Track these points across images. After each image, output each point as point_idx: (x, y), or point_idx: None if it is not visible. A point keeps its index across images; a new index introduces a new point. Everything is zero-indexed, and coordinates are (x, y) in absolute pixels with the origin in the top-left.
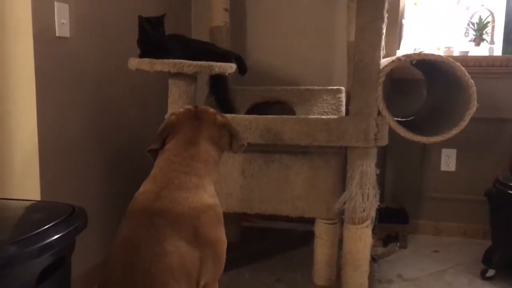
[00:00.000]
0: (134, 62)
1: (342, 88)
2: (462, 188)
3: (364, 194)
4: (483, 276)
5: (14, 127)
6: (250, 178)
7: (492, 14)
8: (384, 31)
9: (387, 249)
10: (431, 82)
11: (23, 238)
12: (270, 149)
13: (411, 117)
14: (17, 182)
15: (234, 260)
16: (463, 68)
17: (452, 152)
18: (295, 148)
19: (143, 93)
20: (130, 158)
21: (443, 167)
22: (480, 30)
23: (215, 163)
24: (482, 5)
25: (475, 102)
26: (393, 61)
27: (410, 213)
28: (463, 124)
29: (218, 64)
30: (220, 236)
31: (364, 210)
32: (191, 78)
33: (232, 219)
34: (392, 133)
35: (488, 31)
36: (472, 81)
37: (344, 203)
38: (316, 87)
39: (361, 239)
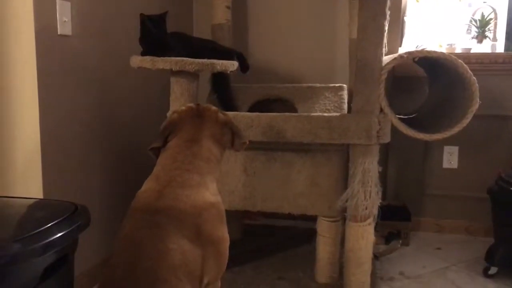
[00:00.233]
0: (136, 60)
1: (344, 85)
2: (464, 185)
3: (366, 192)
4: (485, 273)
5: (17, 125)
6: (252, 176)
7: (494, 11)
8: (386, 28)
9: (389, 247)
10: (433, 80)
11: (27, 236)
12: (272, 146)
13: (413, 115)
14: (20, 180)
15: (236, 257)
16: (465, 65)
17: (454, 150)
18: (297, 146)
19: (145, 91)
20: (133, 156)
21: (445, 165)
22: (482, 27)
23: (217, 161)
24: (485, 2)
25: (478, 99)
26: (395, 58)
27: (412, 210)
28: (466, 121)
29: (220, 62)
30: (223, 233)
31: (366, 208)
32: (193, 76)
33: (234, 217)
34: (394, 130)
35: (490, 28)
36: (474, 78)
37: (346, 201)
38: (318, 85)
39: (363, 237)
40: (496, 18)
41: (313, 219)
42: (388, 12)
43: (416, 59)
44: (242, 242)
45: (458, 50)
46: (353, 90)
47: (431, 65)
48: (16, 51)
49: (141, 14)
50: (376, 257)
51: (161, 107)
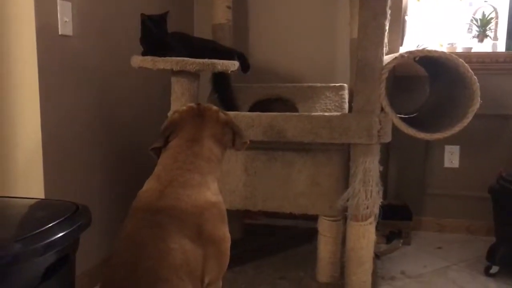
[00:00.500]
0: (137, 60)
1: (345, 85)
2: (465, 184)
3: (367, 191)
4: (486, 272)
5: (18, 125)
6: (253, 176)
7: (495, 10)
8: (387, 27)
9: (390, 246)
10: (434, 79)
11: (28, 236)
12: (273, 146)
13: (414, 114)
14: (21, 180)
15: (237, 257)
16: (466, 64)
17: (456, 149)
18: (298, 145)
19: (146, 91)
20: (133, 155)
21: (447, 164)
22: (483, 26)
23: (218, 160)
24: (485, 1)
25: (479, 99)
26: (396, 57)
27: (413, 209)
28: (467, 120)
29: (221, 61)
30: (224, 233)
31: (367, 207)
32: (194, 76)
33: (235, 217)
34: (395, 129)
35: (491, 27)
36: (475, 77)
37: (347, 200)
38: (319, 84)
39: (364, 236)
40: (497, 17)
41: (314, 218)
42: (388, 12)
43: (417, 59)
44: (243, 241)
45: (459, 49)
46: (354, 89)
47: (432, 64)
48: (17, 51)
49: (142, 14)
50: (377, 256)
51: (162, 107)
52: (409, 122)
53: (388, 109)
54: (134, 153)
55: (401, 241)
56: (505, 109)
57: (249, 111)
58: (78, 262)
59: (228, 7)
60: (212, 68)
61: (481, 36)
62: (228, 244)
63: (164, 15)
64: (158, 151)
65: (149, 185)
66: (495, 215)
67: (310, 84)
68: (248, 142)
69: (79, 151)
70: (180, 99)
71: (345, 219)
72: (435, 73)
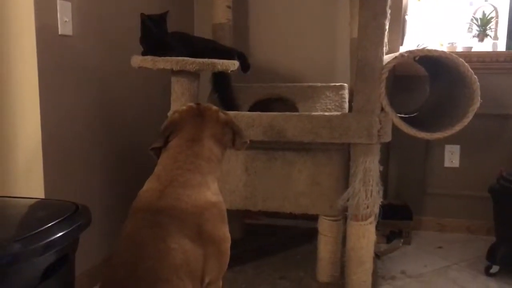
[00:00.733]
0: (137, 60)
1: (345, 84)
2: (465, 184)
3: (368, 191)
4: (487, 272)
5: (18, 125)
6: (253, 175)
7: (495, 9)
8: (387, 27)
9: (390, 246)
10: (434, 78)
11: (27, 236)
12: (273, 146)
13: (415, 114)
14: (21, 180)
15: (237, 257)
16: (466, 64)
17: (456, 148)
18: (298, 145)
19: (146, 90)
20: (133, 155)
21: (447, 163)
22: (483, 26)
23: (218, 160)
24: (486, 1)
25: (479, 98)
26: (396, 57)
27: (414, 209)
28: (467, 120)
29: (221, 61)
30: (224, 233)
31: (367, 207)
32: (194, 75)
33: (235, 216)
34: (395, 129)
35: (491, 27)
36: (475, 77)
37: (348, 200)
38: (319, 84)
39: (364, 236)
40: (497, 17)
41: (314, 218)
42: (388, 11)
43: (417, 58)
44: (243, 241)
45: (459, 49)
46: (354, 89)
47: (432, 64)
48: (16, 51)
49: (142, 14)
50: (377, 256)
51: (162, 107)
52: (409, 121)
53: (388, 108)
54: (134, 153)
55: (402, 240)
56: (506, 109)
57: (249, 110)
58: (78, 262)
59: (228, 7)
60: (212, 67)
61: (481, 35)
62: (228, 244)
63: (164, 14)
64: (158, 151)
65: (149, 185)
66: (496, 215)
67: (310, 83)
68: (248, 142)
69: (79, 151)
70: (180, 99)
71: (345, 218)
72: (435, 73)
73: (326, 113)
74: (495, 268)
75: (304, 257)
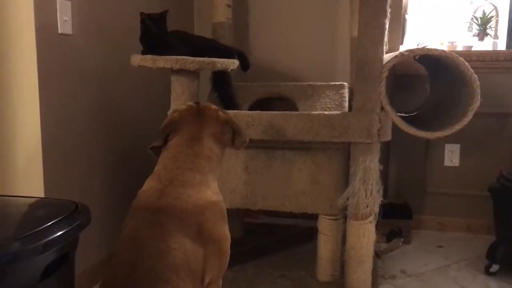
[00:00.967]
0: (137, 59)
1: (345, 83)
2: (465, 183)
3: (367, 190)
4: (487, 271)
5: (18, 124)
6: (253, 174)
7: (496, 8)
8: (387, 26)
9: (390, 245)
10: (434, 77)
11: (27, 235)
12: (273, 145)
13: (415, 113)
14: (21, 179)
15: (237, 256)
16: (466, 63)
17: (456, 147)
18: (298, 144)
19: (146, 89)
20: (133, 155)
21: (447, 163)
22: (483, 25)
23: (218, 159)
24: (486, 0)
25: (479, 97)
26: (396, 56)
27: (414, 208)
28: (467, 119)
29: (221, 60)
30: (224, 232)
31: (367, 206)
32: (194, 74)
33: (235, 215)
34: (395, 128)
35: (491, 26)
36: (475, 76)
37: (347, 199)
38: (319, 83)
39: (364, 235)
40: (497, 16)
41: (314, 217)
42: (389, 10)
43: (417, 57)
44: (243, 240)
45: (459, 48)
46: (354, 88)
47: (432, 63)
48: (16, 50)
49: (142, 13)
50: (377, 255)
51: (162, 106)
52: (409, 121)
53: (388, 107)
54: (134, 151)
55: (401, 240)
56: (506, 108)
57: (249, 109)
58: (78, 261)
59: (228, 6)
60: (212, 66)
61: (482, 34)
62: (228, 243)
63: (164, 13)
64: (158, 150)
65: (149, 184)
66: (496, 214)
67: (310, 82)
68: (248, 141)
69: (79, 150)
70: (180, 98)
71: (345, 218)
72: (436, 72)
73: (326, 112)
74: (495, 267)
75: (304, 256)
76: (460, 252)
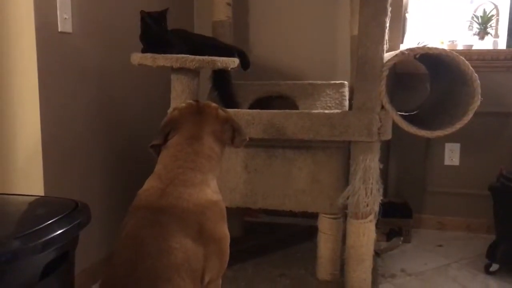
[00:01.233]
0: (137, 57)
1: (345, 82)
2: (465, 182)
3: (368, 189)
4: (487, 270)
5: (17, 123)
6: (253, 173)
7: (496, 7)
8: (387, 25)
9: (390, 244)
10: (434, 76)
11: (27, 233)
12: (273, 143)
13: (415, 111)
14: (21, 178)
15: (237, 254)
16: (467, 62)
17: (456, 147)
18: (298, 143)
19: (146, 88)
20: (133, 153)
21: (447, 162)
22: (484, 24)
23: (218, 158)
24: None
25: (479, 96)
26: (396, 55)
27: (414, 207)
28: (467, 118)
29: (221, 59)
30: (225, 232)
31: (367, 205)
32: (194, 73)
33: (235, 214)
34: (395, 127)
35: (492, 25)
36: (476, 75)
37: (348, 198)
38: (319, 82)
39: (364, 234)
40: (498, 15)
41: (314, 216)
42: (389, 9)
43: (418, 56)
44: (243, 239)
45: (460, 47)
46: (354, 87)
47: (433, 62)
48: (16, 48)
49: (142, 11)
50: (377, 254)
51: (162, 105)
52: (409, 119)
53: (388, 106)
54: (134, 151)
55: (401, 239)
56: (506, 107)
57: (249, 108)
58: (78, 259)
59: (228, 4)
60: (212, 65)
61: (482, 33)
62: (228, 242)
63: (164, 12)
64: (158, 149)
65: (150, 184)
66: (496, 213)
67: (310, 81)
68: (247, 139)
69: (79, 149)
70: (180, 97)
71: (345, 216)
72: (436, 71)
73: (326, 111)
74: (494, 266)
75: (304, 255)
76: (460, 251)
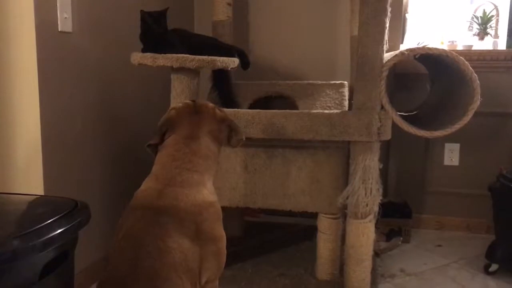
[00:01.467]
0: (137, 57)
1: (345, 82)
2: (465, 182)
3: (367, 189)
4: (486, 270)
5: (18, 122)
6: (253, 173)
7: (496, 7)
8: (387, 25)
9: (390, 244)
10: (434, 77)
11: (26, 233)
12: (273, 143)
13: (415, 112)
14: (21, 177)
15: (237, 254)
16: (466, 62)
17: (456, 147)
18: (298, 143)
19: (146, 88)
20: (133, 152)
21: (446, 162)
22: (484, 24)
23: (215, 158)
24: None
25: (479, 97)
26: (396, 55)
27: (413, 207)
28: (467, 118)
29: (221, 58)
30: (221, 232)
31: (367, 205)
32: (194, 72)
33: (235, 214)
34: (395, 127)
35: (492, 25)
36: (475, 75)
37: (347, 198)
38: (319, 82)
39: (364, 234)
40: (497, 15)
41: (314, 216)
42: (389, 9)
43: (418, 56)
44: (242, 239)
45: (460, 47)
46: (354, 87)
47: (433, 62)
48: (16, 48)
49: (142, 11)
50: (377, 254)
51: (162, 104)
52: (409, 120)
53: (388, 106)
54: (134, 150)
55: (401, 238)
56: (506, 107)
57: (249, 108)
58: (78, 259)
59: (229, 4)
60: (212, 65)
61: (482, 34)
62: (224, 243)
63: (164, 11)
64: (155, 148)
65: (147, 184)
66: (495, 213)
67: (310, 81)
68: (244, 139)
69: (79, 148)
70: (180, 96)
71: (344, 216)
72: (436, 71)
73: (326, 111)
74: (494, 267)
75: (304, 254)
76: (459, 251)
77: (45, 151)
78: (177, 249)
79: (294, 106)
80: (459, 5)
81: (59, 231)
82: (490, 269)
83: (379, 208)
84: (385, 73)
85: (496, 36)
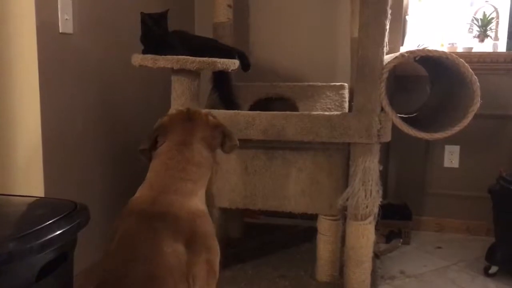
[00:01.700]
0: (137, 59)
1: (345, 84)
2: (465, 184)
3: (367, 190)
4: (486, 272)
5: (18, 123)
6: (253, 174)
7: (496, 10)
8: (387, 27)
9: (389, 245)
10: (434, 79)
11: (25, 234)
12: (273, 145)
13: (415, 114)
14: (21, 178)
15: (237, 255)
16: (466, 64)
17: (456, 149)
18: (298, 144)
19: (146, 89)
20: (133, 154)
21: (446, 164)
22: (484, 26)
23: (208, 164)
24: (486, 1)
25: (479, 99)
26: (396, 57)
27: (413, 209)
28: (467, 120)
29: (221, 60)
30: (214, 240)
31: (366, 206)
32: (194, 74)
33: (235, 215)
34: (395, 129)
35: (492, 27)
36: (475, 77)
37: (347, 199)
38: (319, 84)
39: (363, 235)
40: (497, 17)
41: (314, 217)
42: (389, 11)
43: (418, 58)
44: (242, 240)
45: (460, 49)
46: (354, 88)
47: (433, 64)
48: (17, 49)
49: (142, 13)
50: (376, 255)
51: (162, 106)
52: (409, 122)
53: (388, 108)
54: (134, 151)
55: (401, 240)
56: (506, 109)
57: (249, 110)
58: (77, 261)
59: (229, 6)
60: (212, 66)
61: (482, 36)
62: (217, 253)
63: (165, 13)
64: (148, 153)
65: (142, 192)
66: (495, 215)
67: (310, 83)
68: (238, 145)
69: (80, 149)
70: (180, 98)
71: (344, 218)
72: (436, 73)
73: (326, 113)
74: (494, 269)
75: (304, 256)
76: (459, 253)
77: (45, 152)
78: (172, 254)
79: (294, 108)
80: (459, 7)
81: (57, 232)
82: (490, 271)
83: (379, 210)
84: (385, 75)
85: (496, 38)
